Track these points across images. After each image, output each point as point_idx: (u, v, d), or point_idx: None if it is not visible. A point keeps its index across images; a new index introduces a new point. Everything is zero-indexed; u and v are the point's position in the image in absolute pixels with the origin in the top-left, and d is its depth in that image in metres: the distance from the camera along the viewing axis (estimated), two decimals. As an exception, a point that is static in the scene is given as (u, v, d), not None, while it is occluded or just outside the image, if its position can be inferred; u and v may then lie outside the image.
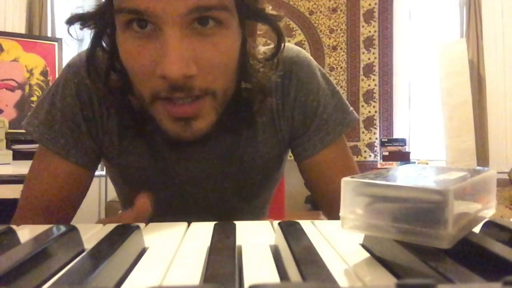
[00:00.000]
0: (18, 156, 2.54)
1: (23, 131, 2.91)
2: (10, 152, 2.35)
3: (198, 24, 0.54)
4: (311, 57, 0.77)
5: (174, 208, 0.76)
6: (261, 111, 0.69)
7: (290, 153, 0.84)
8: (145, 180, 0.74)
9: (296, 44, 3.78)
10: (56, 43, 3.13)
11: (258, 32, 0.68)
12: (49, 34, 3.29)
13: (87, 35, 0.67)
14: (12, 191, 2.02)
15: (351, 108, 0.79)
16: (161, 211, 0.59)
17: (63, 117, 0.69)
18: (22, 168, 2.25)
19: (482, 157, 3.46)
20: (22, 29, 3.24)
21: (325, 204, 0.78)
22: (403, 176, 0.36)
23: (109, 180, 3.13)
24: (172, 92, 0.55)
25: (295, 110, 0.74)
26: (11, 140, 2.50)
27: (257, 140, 0.74)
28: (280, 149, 0.78)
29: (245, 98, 0.65)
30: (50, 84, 3.10)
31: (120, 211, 0.88)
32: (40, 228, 0.39)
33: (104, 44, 0.64)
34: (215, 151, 0.73)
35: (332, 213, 0.73)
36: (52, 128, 0.69)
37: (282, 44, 0.65)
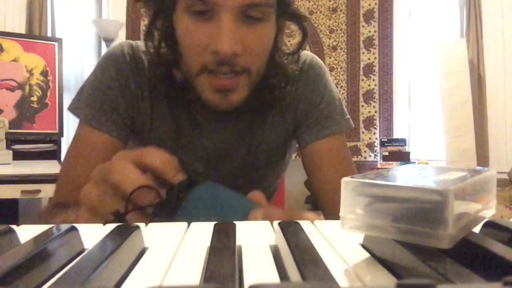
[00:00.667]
0: (18, 156, 2.54)
1: (23, 131, 2.93)
2: (10, 152, 2.35)
3: (247, 15, 0.67)
4: (323, 64, 0.89)
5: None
6: (280, 97, 0.82)
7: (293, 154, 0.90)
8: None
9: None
10: (56, 43, 3.13)
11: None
12: (49, 34, 3.29)
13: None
14: (12, 191, 2.03)
15: (349, 116, 0.88)
16: None
17: (105, 98, 0.79)
18: (22, 168, 2.25)
19: (482, 157, 3.47)
20: (22, 29, 3.24)
21: (317, 191, 0.84)
22: (403, 176, 0.36)
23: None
24: (218, 66, 0.67)
25: (300, 103, 0.84)
26: (11, 140, 2.50)
27: (266, 126, 0.85)
28: (285, 138, 0.87)
29: (270, 83, 0.78)
30: (50, 84, 3.11)
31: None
32: (40, 228, 0.39)
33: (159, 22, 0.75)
34: (231, 130, 0.83)
35: (323, 200, 0.82)
36: (95, 108, 0.79)
37: (305, 41, 0.81)
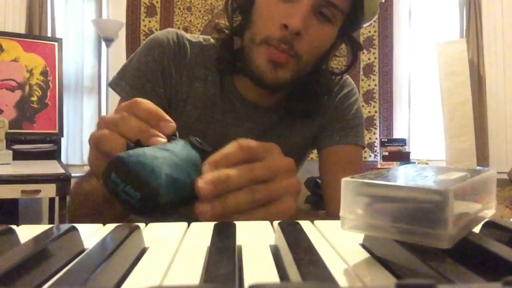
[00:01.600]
0: (18, 156, 2.54)
1: (23, 131, 2.92)
2: (10, 152, 2.35)
3: (320, 12, 0.75)
4: (355, 86, 0.97)
5: None
6: (316, 106, 0.88)
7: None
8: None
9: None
10: (56, 43, 3.13)
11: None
12: (49, 34, 3.29)
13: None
14: (12, 191, 2.03)
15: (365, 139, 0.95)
16: None
17: (147, 79, 0.83)
18: (22, 168, 2.25)
19: (482, 157, 3.47)
20: (22, 29, 3.24)
21: (326, 190, 0.88)
22: (403, 176, 0.36)
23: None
24: (280, 42, 0.74)
25: (330, 111, 0.90)
26: (11, 140, 2.50)
27: (295, 127, 0.90)
28: (307, 143, 0.92)
29: (311, 89, 0.85)
30: (50, 84, 3.11)
31: None
32: (40, 228, 0.39)
33: None
34: (262, 123, 0.87)
35: (329, 199, 0.87)
36: (136, 87, 0.83)
37: (352, 67, 0.88)
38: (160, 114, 0.48)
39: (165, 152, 0.43)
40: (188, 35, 0.89)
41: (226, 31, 0.83)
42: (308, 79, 0.83)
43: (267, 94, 0.85)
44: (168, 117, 0.49)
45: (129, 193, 0.41)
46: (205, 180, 0.43)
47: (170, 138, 0.47)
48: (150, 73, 0.84)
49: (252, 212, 0.47)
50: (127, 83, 0.84)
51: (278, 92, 0.84)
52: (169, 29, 0.90)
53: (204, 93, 0.86)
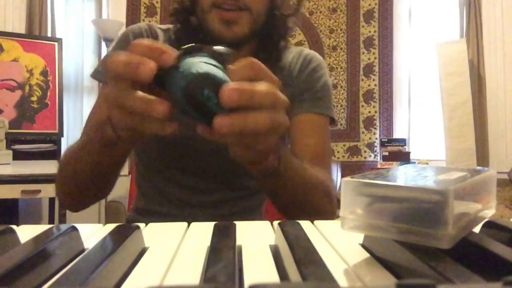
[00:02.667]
0: (18, 156, 2.54)
1: (23, 131, 2.91)
2: (10, 152, 2.35)
3: None
4: (325, 63, 0.99)
5: (185, 164, 0.88)
6: (282, 53, 0.93)
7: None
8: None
9: (296, 44, 3.76)
10: (56, 43, 3.13)
11: None
12: (49, 34, 3.29)
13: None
14: (12, 191, 2.03)
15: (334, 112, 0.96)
16: (172, 165, 0.86)
17: None
18: (22, 168, 2.25)
19: (482, 157, 3.47)
20: (22, 29, 3.24)
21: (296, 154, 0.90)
22: (403, 176, 0.36)
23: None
24: (225, 1, 0.78)
25: (300, 80, 0.92)
26: (11, 140, 2.50)
27: None
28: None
29: (270, 34, 0.89)
30: (50, 84, 3.09)
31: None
32: (40, 228, 0.39)
33: None
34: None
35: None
36: None
37: (300, 6, 0.94)
38: (159, 48, 0.45)
39: (211, 66, 0.45)
40: (158, 25, 0.95)
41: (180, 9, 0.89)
42: (266, 29, 0.88)
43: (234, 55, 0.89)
44: (164, 47, 0.46)
45: (215, 103, 0.42)
46: (231, 87, 0.41)
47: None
48: None
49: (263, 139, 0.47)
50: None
51: (243, 48, 0.86)
52: (140, 23, 0.95)
53: None
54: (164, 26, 0.95)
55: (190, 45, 0.46)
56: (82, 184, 0.73)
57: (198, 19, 0.86)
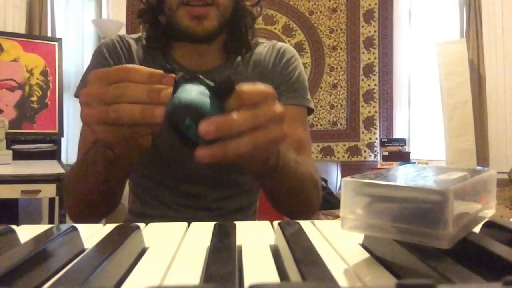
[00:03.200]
0: (18, 156, 2.53)
1: (23, 131, 2.91)
2: (10, 152, 2.35)
3: None
4: (298, 54, 1.00)
5: (177, 170, 0.87)
6: (253, 44, 0.94)
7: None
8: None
9: (296, 44, 3.76)
10: (56, 43, 3.13)
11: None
12: (49, 34, 3.29)
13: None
14: (12, 191, 2.03)
15: (311, 101, 0.96)
16: (162, 165, 0.85)
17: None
18: (22, 168, 2.25)
19: (482, 157, 3.46)
20: (22, 29, 3.24)
21: None
22: (403, 176, 0.36)
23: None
24: None
25: (275, 73, 0.94)
26: (11, 140, 2.50)
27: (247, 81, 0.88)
28: None
29: (238, 26, 0.91)
30: (50, 84, 3.09)
31: None
32: (40, 228, 0.39)
33: None
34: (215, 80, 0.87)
35: None
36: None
37: None
38: (160, 73, 0.47)
39: (202, 96, 0.45)
40: (129, 35, 0.96)
41: (148, 10, 0.90)
42: (233, 21, 0.89)
43: (206, 53, 0.90)
44: (162, 73, 0.48)
45: (194, 132, 0.43)
46: (209, 121, 0.43)
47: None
48: (103, 65, 0.89)
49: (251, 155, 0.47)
50: (85, 85, 0.87)
51: (214, 42, 0.89)
52: (111, 36, 0.98)
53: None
54: (135, 36, 0.96)
55: (193, 72, 0.47)
56: (94, 203, 0.75)
57: (167, 18, 0.87)
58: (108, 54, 0.91)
